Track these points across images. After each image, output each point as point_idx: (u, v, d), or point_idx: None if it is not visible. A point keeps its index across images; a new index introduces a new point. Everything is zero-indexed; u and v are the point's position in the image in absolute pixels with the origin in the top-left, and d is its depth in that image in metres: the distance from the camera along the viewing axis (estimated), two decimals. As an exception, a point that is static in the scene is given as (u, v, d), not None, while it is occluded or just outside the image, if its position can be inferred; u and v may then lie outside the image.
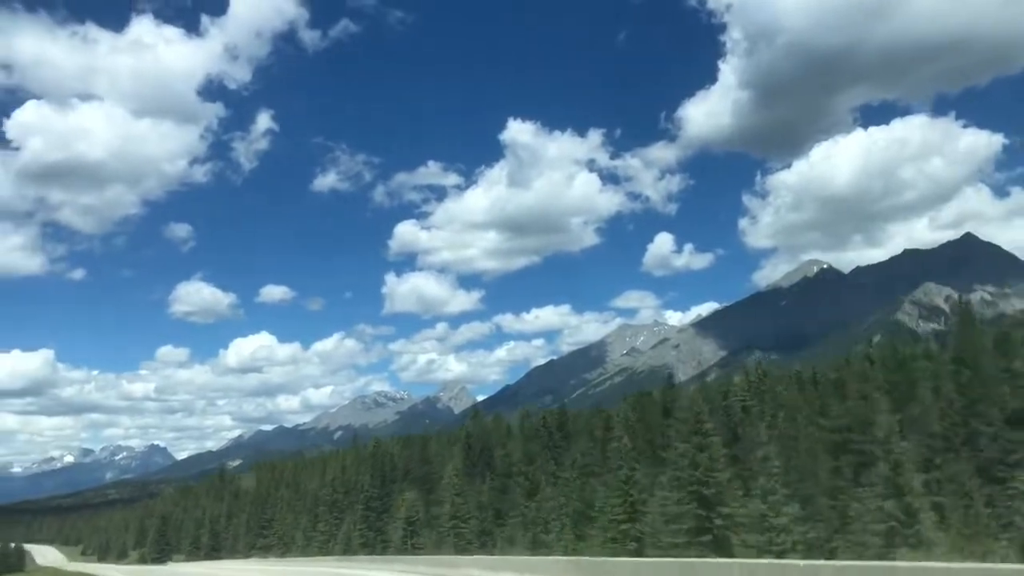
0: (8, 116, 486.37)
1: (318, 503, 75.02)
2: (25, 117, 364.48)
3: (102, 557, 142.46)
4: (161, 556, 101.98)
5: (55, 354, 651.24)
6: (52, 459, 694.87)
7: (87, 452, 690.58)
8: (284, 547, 79.13)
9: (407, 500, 59.27)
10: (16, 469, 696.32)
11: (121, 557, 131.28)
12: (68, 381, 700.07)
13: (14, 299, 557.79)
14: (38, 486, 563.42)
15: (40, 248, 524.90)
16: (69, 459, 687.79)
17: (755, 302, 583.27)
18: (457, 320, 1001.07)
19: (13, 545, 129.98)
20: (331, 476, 76.82)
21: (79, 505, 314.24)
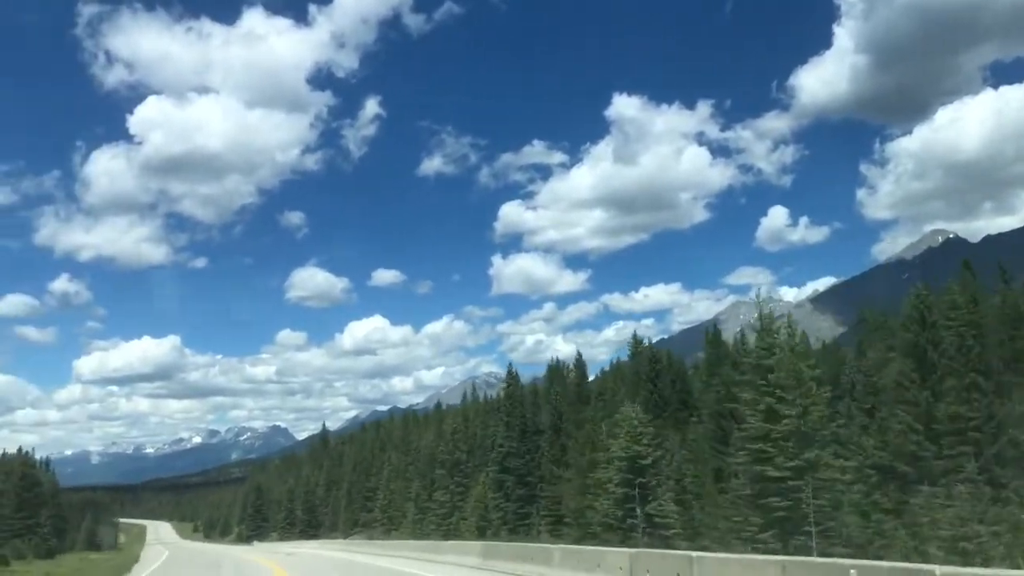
0: (131, 112, 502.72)
1: (434, 463, 56.09)
2: (146, 112, 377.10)
3: (207, 534, 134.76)
4: (256, 533, 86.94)
5: (182, 340, 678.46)
6: (181, 440, 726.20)
7: (213, 433, 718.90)
8: (390, 523, 60.99)
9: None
10: (149, 450, 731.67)
11: (224, 534, 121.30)
12: (194, 366, 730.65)
13: (143, 288, 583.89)
14: (169, 465, 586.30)
15: (164, 239, 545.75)
16: (197, 440, 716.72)
17: (875, 275, 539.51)
18: (564, 300, 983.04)
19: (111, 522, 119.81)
20: (451, 428, 57.67)
21: (204, 483, 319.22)
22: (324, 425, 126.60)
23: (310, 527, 77.56)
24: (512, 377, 53.13)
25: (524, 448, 48.44)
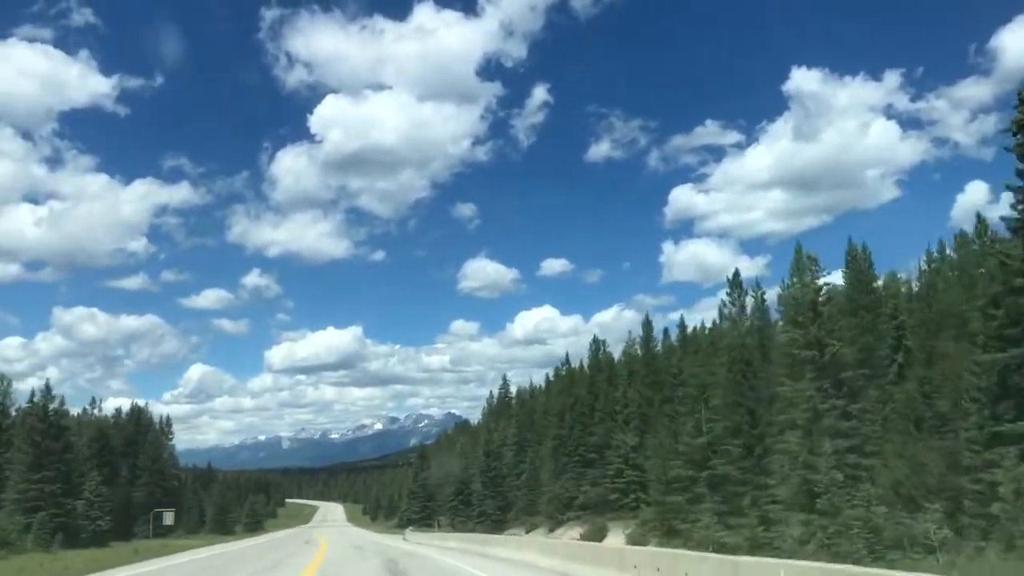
0: (311, 112, 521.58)
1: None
2: (325, 111, 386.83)
3: (374, 516, 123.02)
4: (421, 516, 68.38)
5: (363, 330, 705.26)
6: (364, 426, 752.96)
7: (393, 420, 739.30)
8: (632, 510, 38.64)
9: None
10: (334, 436, 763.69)
11: (389, 516, 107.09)
12: (375, 355, 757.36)
13: (326, 281, 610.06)
14: (353, 450, 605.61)
15: (344, 233, 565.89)
16: (378, 426, 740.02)
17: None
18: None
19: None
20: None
21: (383, 467, 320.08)
22: (504, 378, 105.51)
23: (495, 512, 57.10)
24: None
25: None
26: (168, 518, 65.43)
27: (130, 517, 65.73)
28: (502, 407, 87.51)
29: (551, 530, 46.95)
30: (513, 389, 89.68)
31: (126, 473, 69.65)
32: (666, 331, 61.94)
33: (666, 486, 36.65)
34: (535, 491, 54.82)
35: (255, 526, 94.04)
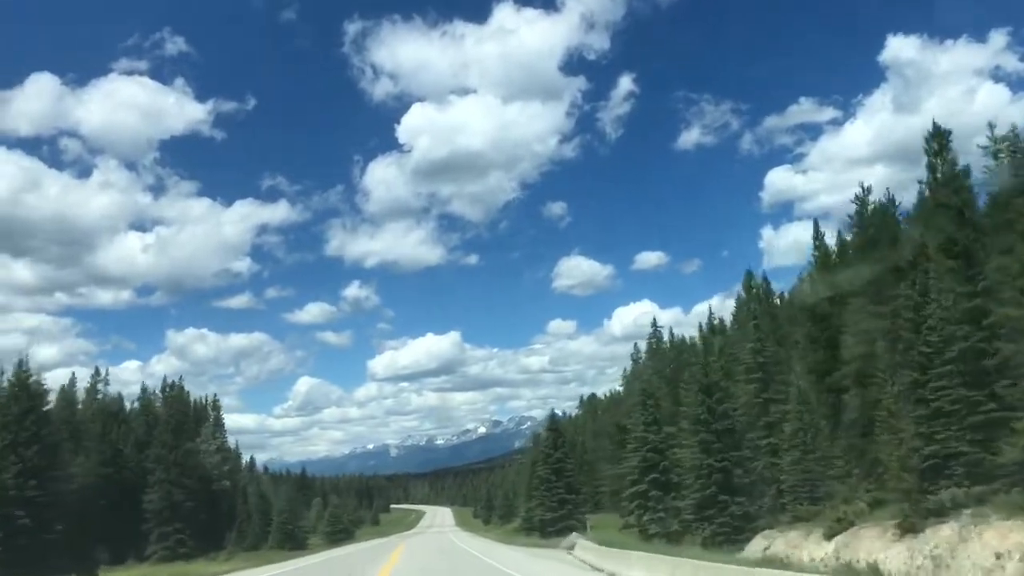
0: (399, 122, 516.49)
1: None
2: (412, 120, 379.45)
3: (486, 519, 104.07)
4: (558, 518, 47.14)
5: (461, 335, 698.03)
6: (468, 431, 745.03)
7: (496, 423, 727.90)
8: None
9: None
10: (439, 441, 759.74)
11: (504, 519, 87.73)
12: (473, 359, 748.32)
13: (423, 288, 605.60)
14: (459, 455, 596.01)
15: (438, 240, 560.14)
16: (482, 430, 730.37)
17: None
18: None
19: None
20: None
21: (490, 468, 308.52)
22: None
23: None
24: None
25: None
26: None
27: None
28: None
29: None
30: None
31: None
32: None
33: None
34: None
35: (343, 536, 76.10)
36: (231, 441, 67.31)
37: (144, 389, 61.56)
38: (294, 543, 58.62)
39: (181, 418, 56.38)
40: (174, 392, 61.17)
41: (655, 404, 45.21)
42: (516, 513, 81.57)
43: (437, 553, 37.83)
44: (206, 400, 67.58)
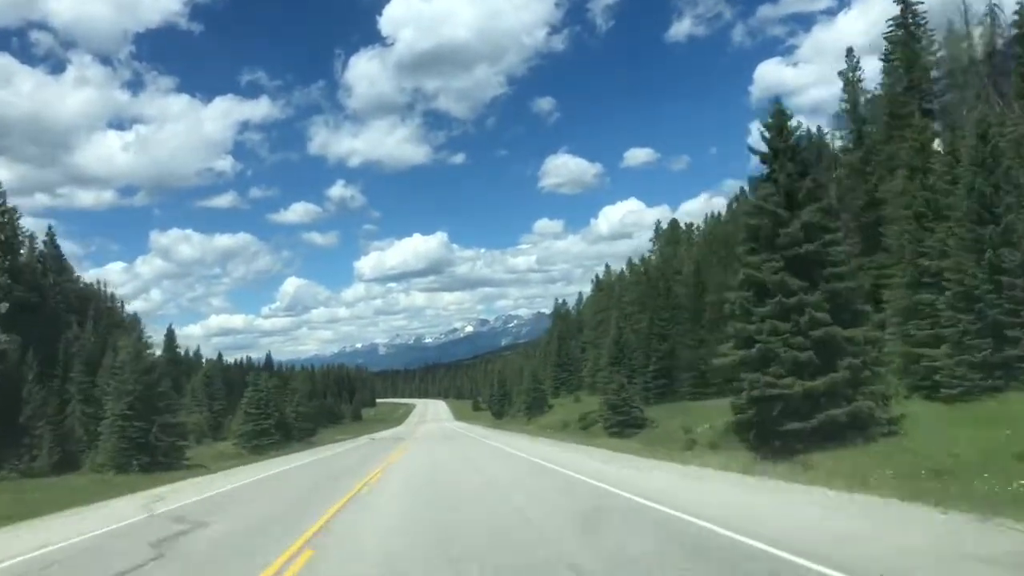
0: (380, 13, 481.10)
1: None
2: (394, 11, 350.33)
3: (498, 412, 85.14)
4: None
5: (448, 235, 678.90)
6: (455, 330, 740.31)
7: (484, 322, 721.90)
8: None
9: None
10: (428, 340, 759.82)
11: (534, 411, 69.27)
12: (461, 259, 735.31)
13: (409, 188, 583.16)
14: (447, 353, 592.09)
15: (423, 138, 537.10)
16: (469, 329, 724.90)
17: None
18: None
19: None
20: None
21: (479, 364, 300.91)
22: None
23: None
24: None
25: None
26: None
27: None
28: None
29: None
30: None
31: None
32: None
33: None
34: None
35: (303, 435, 57.85)
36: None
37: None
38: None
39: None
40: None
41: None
42: (546, 403, 63.06)
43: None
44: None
